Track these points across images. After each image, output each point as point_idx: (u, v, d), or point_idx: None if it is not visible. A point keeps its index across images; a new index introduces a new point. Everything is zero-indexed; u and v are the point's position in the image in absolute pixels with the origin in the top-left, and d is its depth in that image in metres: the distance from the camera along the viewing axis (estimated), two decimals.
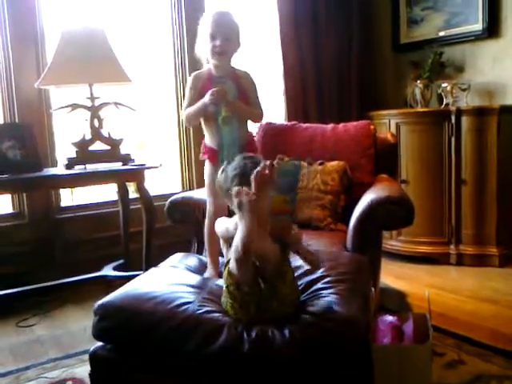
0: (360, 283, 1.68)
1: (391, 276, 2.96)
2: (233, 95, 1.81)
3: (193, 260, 1.98)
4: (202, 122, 1.92)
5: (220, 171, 1.53)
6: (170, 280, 1.68)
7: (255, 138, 2.74)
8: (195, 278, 1.74)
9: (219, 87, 1.78)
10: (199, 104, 1.83)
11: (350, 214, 2.27)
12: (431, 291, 2.81)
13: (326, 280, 1.61)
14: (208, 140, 1.93)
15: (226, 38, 1.80)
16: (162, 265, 1.91)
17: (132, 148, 2.94)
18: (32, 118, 2.73)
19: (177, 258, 1.99)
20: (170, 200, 2.35)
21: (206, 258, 1.99)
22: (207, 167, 1.95)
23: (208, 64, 1.91)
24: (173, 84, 3.38)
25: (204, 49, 1.86)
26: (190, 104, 1.87)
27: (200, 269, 1.91)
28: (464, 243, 3.24)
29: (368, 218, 2.06)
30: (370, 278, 1.84)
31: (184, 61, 3.32)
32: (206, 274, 1.85)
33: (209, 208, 1.96)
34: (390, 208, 2.03)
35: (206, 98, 1.78)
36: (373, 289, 1.86)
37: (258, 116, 1.95)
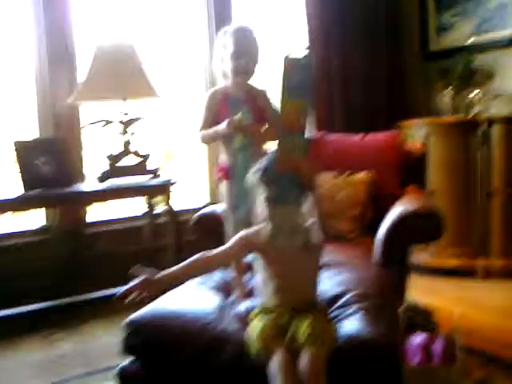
0: (387, 300, 1.67)
1: (418, 290, 2.88)
2: (248, 120, 1.77)
3: (219, 277, 1.99)
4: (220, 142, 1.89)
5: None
6: (198, 298, 1.70)
7: None
8: (222, 297, 1.75)
9: (234, 118, 1.74)
10: (214, 130, 1.80)
11: (378, 226, 2.25)
12: (457, 306, 2.76)
13: (352, 295, 1.61)
14: (223, 158, 1.88)
15: (250, 57, 1.77)
16: (189, 282, 1.93)
17: (159, 160, 3.00)
18: (64, 133, 2.80)
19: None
20: (196, 215, 2.36)
21: (231, 274, 1.99)
22: (224, 186, 1.89)
23: (224, 80, 1.87)
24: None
25: (224, 66, 1.82)
26: (205, 124, 1.84)
27: (226, 287, 1.92)
28: (493, 256, 3.17)
29: (396, 232, 2.03)
30: (397, 294, 1.82)
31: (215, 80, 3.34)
32: (234, 295, 1.85)
33: (228, 227, 1.93)
34: (419, 222, 2.00)
35: (222, 127, 1.75)
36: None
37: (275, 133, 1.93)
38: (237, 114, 1.73)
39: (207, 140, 1.89)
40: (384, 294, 1.67)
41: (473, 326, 2.46)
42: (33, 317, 2.59)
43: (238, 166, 1.80)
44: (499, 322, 2.53)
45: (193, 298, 1.70)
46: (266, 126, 1.89)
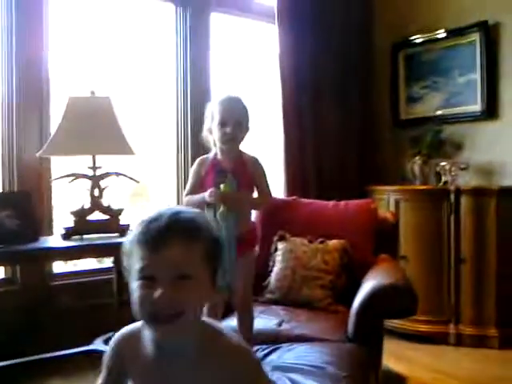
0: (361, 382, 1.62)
1: (391, 357, 2.87)
2: (233, 191, 1.78)
3: None
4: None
5: None
6: None
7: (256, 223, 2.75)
8: None
9: (217, 189, 1.75)
10: (199, 197, 1.82)
11: (350, 294, 2.23)
12: (430, 375, 2.75)
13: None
14: None
15: (237, 125, 1.79)
16: None
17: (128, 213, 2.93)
18: (31, 186, 2.69)
19: None
20: None
21: None
22: None
23: (215, 147, 1.90)
24: (174, 159, 3.41)
25: (212, 134, 1.84)
26: (191, 190, 1.87)
27: None
28: (463, 323, 3.19)
29: (370, 306, 2.01)
30: (371, 373, 1.78)
31: (187, 142, 3.36)
32: None
33: None
34: (394, 297, 1.99)
35: (206, 196, 1.77)
36: None
37: (263, 203, 1.94)
38: (221, 184, 1.72)
39: (191, 205, 1.88)
40: (358, 376, 1.61)
41: None
42: None
43: (221, 235, 1.77)
44: None
45: None
46: (255, 192, 1.89)
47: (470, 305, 3.17)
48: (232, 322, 2.02)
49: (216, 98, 1.88)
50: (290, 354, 1.78)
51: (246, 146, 1.94)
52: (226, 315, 2.14)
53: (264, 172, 1.91)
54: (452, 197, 3.19)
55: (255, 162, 1.90)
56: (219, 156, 1.86)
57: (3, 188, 2.75)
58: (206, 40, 3.40)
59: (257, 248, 2.09)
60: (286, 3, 3.50)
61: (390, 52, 3.96)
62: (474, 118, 3.50)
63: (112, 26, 3.21)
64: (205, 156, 1.92)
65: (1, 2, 2.72)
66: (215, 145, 1.89)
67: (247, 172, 1.85)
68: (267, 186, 1.92)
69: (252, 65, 3.73)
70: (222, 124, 1.78)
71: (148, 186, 3.64)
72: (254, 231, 1.95)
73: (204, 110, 1.92)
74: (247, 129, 1.87)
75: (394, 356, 2.93)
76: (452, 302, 3.21)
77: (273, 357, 1.80)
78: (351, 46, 3.88)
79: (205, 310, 1.77)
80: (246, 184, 1.84)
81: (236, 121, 1.79)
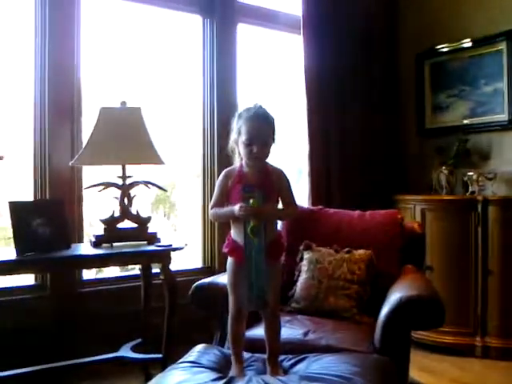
0: None
1: (416, 369, 2.85)
2: (261, 205, 1.77)
3: (215, 354, 1.93)
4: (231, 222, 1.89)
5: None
6: (191, 382, 1.64)
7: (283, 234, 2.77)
8: (217, 379, 1.69)
9: (247, 203, 1.75)
10: (227, 210, 1.81)
11: (376, 304, 2.23)
12: None
13: None
14: (234, 234, 1.89)
15: (263, 145, 1.79)
16: (183, 359, 1.87)
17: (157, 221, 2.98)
18: (63, 194, 2.77)
19: (198, 351, 1.94)
20: (195, 285, 2.32)
21: (228, 351, 1.94)
22: (230, 264, 1.89)
23: (239, 159, 1.90)
24: (200, 163, 3.45)
25: (238, 148, 1.84)
26: (216, 203, 1.86)
27: (223, 365, 1.86)
28: (490, 335, 3.16)
29: (397, 317, 2.00)
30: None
31: (213, 152, 3.41)
32: (232, 373, 1.80)
33: (231, 305, 1.90)
34: (421, 309, 1.98)
35: (235, 210, 1.76)
36: None
37: (291, 215, 1.95)
38: (251, 199, 1.73)
39: (217, 219, 1.94)
40: None
41: None
42: (18, 381, 2.47)
43: (251, 248, 1.79)
44: None
45: (188, 380, 1.64)
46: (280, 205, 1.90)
47: (496, 317, 3.14)
48: (259, 331, 2.03)
49: (243, 111, 1.84)
50: (316, 364, 1.78)
51: (272, 157, 1.95)
52: (252, 324, 2.17)
53: (289, 184, 1.91)
54: (479, 207, 3.16)
55: (280, 174, 1.89)
56: (245, 168, 1.86)
57: (36, 196, 2.83)
58: (232, 51, 3.45)
59: (282, 257, 2.10)
60: (311, 14, 3.53)
61: (416, 61, 3.96)
62: (500, 127, 3.47)
63: (141, 37, 3.29)
64: (231, 168, 1.91)
65: (35, 14, 2.81)
66: (240, 157, 1.88)
67: (272, 184, 1.85)
68: (293, 198, 1.92)
69: (278, 75, 3.76)
70: (249, 144, 1.78)
71: (170, 194, 3.69)
72: (281, 241, 1.96)
73: (230, 120, 1.91)
74: (274, 142, 1.86)
75: (420, 368, 2.91)
76: (478, 314, 3.18)
77: (300, 367, 1.81)
78: (376, 57, 3.90)
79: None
80: (271, 196, 1.84)
81: (263, 141, 1.78)
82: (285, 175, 1.91)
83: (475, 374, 2.92)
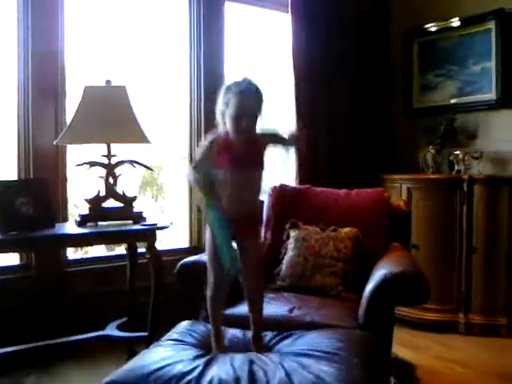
0: (374, 369, 1.64)
1: (399, 345, 2.88)
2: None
3: (200, 331, 1.94)
4: None
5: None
6: (174, 358, 1.64)
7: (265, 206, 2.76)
8: (200, 356, 1.70)
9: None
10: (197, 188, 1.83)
11: (362, 281, 2.24)
12: (440, 363, 2.76)
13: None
14: None
15: (251, 119, 1.76)
16: (168, 336, 1.87)
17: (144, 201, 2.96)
18: (47, 173, 2.73)
19: (183, 328, 1.95)
20: (180, 263, 2.32)
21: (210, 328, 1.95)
22: (209, 234, 1.86)
23: (224, 127, 1.85)
24: (187, 143, 3.42)
25: (225, 120, 1.81)
26: (199, 165, 1.80)
27: (207, 341, 1.86)
28: (473, 312, 3.20)
29: (382, 293, 2.02)
30: (383, 361, 1.80)
31: (200, 131, 3.37)
32: (213, 348, 1.82)
33: (211, 278, 1.88)
34: (405, 285, 2.00)
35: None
36: None
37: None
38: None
39: (192, 181, 1.86)
40: (370, 364, 1.64)
41: None
42: (5, 359, 2.47)
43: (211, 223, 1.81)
44: (483, 380, 2.55)
45: (169, 359, 1.64)
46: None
47: (480, 294, 3.18)
48: (243, 308, 2.04)
49: (232, 84, 1.77)
50: (302, 341, 1.79)
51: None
52: (236, 302, 2.17)
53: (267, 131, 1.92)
54: (465, 186, 3.18)
55: (263, 136, 1.86)
56: (231, 137, 1.79)
57: (19, 176, 2.80)
58: (219, 29, 3.41)
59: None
60: None
61: (404, 40, 3.93)
62: (488, 107, 3.47)
63: (128, 15, 3.23)
64: (214, 135, 1.82)
65: None
66: (225, 126, 1.80)
67: (259, 153, 1.83)
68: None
69: (265, 53, 3.73)
70: (237, 118, 1.74)
71: (157, 176, 3.67)
72: (259, 213, 1.93)
73: (217, 98, 1.87)
74: (261, 114, 1.82)
75: (404, 344, 2.95)
76: (462, 291, 3.22)
77: (285, 343, 1.82)
78: (365, 35, 3.87)
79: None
80: (256, 165, 1.83)
81: (251, 116, 1.75)
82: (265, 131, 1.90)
83: (458, 350, 2.96)
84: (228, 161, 1.78)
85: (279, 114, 3.68)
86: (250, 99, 1.75)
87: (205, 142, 1.84)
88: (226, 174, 1.79)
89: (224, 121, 1.81)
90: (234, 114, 1.73)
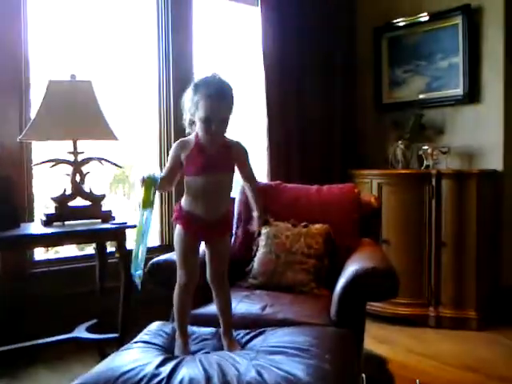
0: (346, 365, 1.64)
1: (372, 339, 2.92)
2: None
3: (170, 331, 1.91)
4: (185, 187, 1.83)
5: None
6: (144, 360, 1.61)
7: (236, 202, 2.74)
8: (171, 357, 1.67)
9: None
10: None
11: (334, 278, 2.24)
12: (411, 357, 2.80)
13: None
14: (185, 203, 1.84)
15: (222, 122, 1.73)
16: (138, 338, 1.84)
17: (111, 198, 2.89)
18: (11, 171, 2.64)
19: (153, 329, 1.92)
20: (151, 262, 2.27)
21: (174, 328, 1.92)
22: (179, 234, 1.84)
23: (191, 129, 1.82)
24: (157, 139, 3.38)
25: (195, 122, 1.77)
26: (168, 171, 1.78)
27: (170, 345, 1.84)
28: (443, 305, 3.25)
29: (353, 289, 2.02)
30: (356, 356, 1.80)
31: (169, 128, 3.34)
32: (177, 352, 1.78)
33: (180, 277, 1.85)
34: (376, 281, 2.00)
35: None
36: None
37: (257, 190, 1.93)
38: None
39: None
40: (345, 359, 1.64)
41: (426, 378, 2.51)
42: None
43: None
44: (451, 375, 2.57)
45: (138, 362, 1.61)
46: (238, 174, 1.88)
47: (449, 287, 3.23)
48: (212, 307, 2.02)
49: (201, 83, 1.72)
50: (274, 338, 1.77)
51: (231, 131, 1.90)
52: (205, 302, 2.15)
53: (247, 156, 1.87)
54: (433, 180, 3.22)
55: (239, 148, 1.84)
56: (203, 140, 1.77)
57: None
58: (188, 23, 3.36)
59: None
60: None
61: (373, 36, 3.95)
62: (455, 102, 3.53)
63: (94, 7, 3.15)
64: (185, 138, 1.82)
65: None
66: (194, 127, 1.79)
67: (230, 157, 1.81)
68: (251, 169, 1.90)
69: (235, 49, 3.70)
70: (207, 121, 1.70)
71: (129, 173, 3.61)
72: (230, 216, 1.93)
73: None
74: (230, 118, 1.77)
75: (376, 338, 2.98)
76: (432, 285, 3.26)
77: (257, 341, 1.80)
78: (334, 30, 3.87)
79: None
80: (228, 167, 1.81)
81: (221, 118, 1.72)
82: (243, 146, 1.86)
83: (429, 343, 3.01)
84: (200, 164, 1.76)
85: (249, 109, 3.66)
86: (220, 102, 1.70)
87: (173, 149, 1.81)
88: (198, 177, 1.78)
89: (192, 120, 1.78)
90: (204, 116, 1.70)
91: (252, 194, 1.95)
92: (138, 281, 1.72)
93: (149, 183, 1.71)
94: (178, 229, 1.86)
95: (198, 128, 1.74)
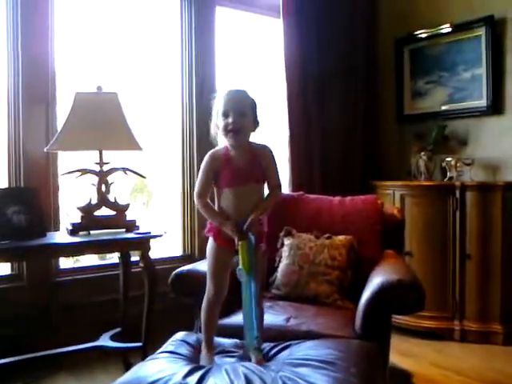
0: (371, 378, 1.63)
1: (396, 353, 2.87)
2: (251, 248, 1.76)
3: (195, 342, 1.92)
4: (216, 201, 1.85)
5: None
6: (170, 370, 1.62)
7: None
8: (197, 367, 1.67)
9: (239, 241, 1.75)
10: (218, 220, 1.79)
11: (357, 289, 2.23)
12: (436, 371, 2.75)
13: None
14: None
15: (240, 115, 1.74)
16: (163, 348, 1.85)
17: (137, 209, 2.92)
18: (38, 181, 2.70)
19: (178, 339, 1.93)
20: (175, 272, 2.29)
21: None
22: (212, 248, 1.86)
23: (223, 142, 1.86)
24: (179, 150, 3.41)
25: (218, 128, 1.80)
26: (204, 189, 1.81)
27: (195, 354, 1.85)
28: (468, 319, 3.20)
29: (378, 302, 2.01)
30: (379, 369, 1.78)
31: (192, 137, 3.37)
32: (202, 363, 1.78)
33: (210, 290, 1.87)
34: (402, 293, 1.99)
35: (227, 227, 1.76)
36: None
37: (277, 197, 1.91)
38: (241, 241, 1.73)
39: (203, 214, 1.85)
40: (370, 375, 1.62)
41: None
42: None
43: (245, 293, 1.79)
44: None
45: (163, 372, 1.62)
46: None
47: (474, 301, 3.18)
48: (236, 319, 2.02)
49: (221, 92, 1.81)
50: (299, 350, 1.77)
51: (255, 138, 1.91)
52: (232, 311, 2.16)
53: (274, 161, 1.87)
54: (457, 192, 3.19)
55: (266, 153, 1.84)
56: (231, 152, 1.80)
57: (10, 183, 2.76)
58: (211, 34, 3.40)
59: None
60: None
61: (395, 46, 3.95)
62: (479, 114, 3.49)
63: (118, 21, 3.21)
64: (215, 150, 1.84)
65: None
66: (222, 140, 1.83)
67: (259, 166, 1.82)
68: (278, 179, 1.88)
69: (257, 59, 3.72)
70: (225, 114, 1.74)
71: (149, 183, 3.64)
72: (262, 227, 1.93)
73: (209, 107, 1.87)
74: (256, 122, 1.81)
75: (400, 352, 2.94)
76: (457, 298, 3.21)
77: (282, 353, 1.80)
78: (356, 41, 3.88)
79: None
80: (258, 177, 1.82)
81: (239, 111, 1.74)
82: (271, 152, 1.87)
83: (453, 358, 2.96)
84: (230, 176, 1.78)
85: (271, 121, 3.68)
86: (236, 95, 1.77)
87: (205, 162, 1.83)
88: (228, 189, 1.79)
89: (220, 135, 1.81)
90: (222, 110, 1.74)
91: (268, 197, 1.89)
92: (258, 353, 1.74)
93: (245, 247, 1.72)
94: (210, 241, 1.87)
95: (221, 130, 1.77)
